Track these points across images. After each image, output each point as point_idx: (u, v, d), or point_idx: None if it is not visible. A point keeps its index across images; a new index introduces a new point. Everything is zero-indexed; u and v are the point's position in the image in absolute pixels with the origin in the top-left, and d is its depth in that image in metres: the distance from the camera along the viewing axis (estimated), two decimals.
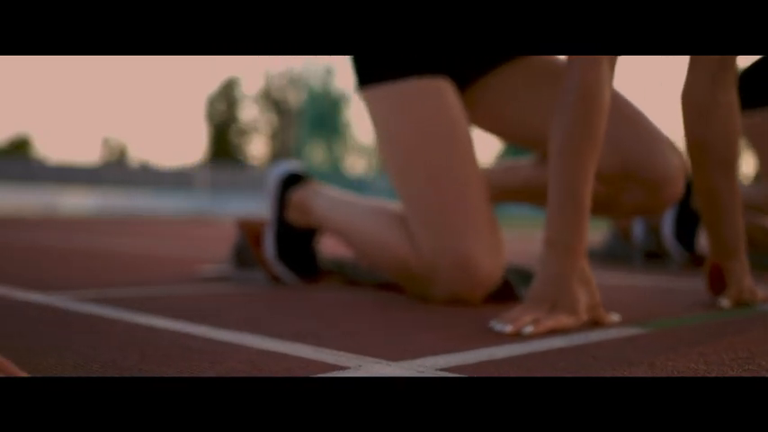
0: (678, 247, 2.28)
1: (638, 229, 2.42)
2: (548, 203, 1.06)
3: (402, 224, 1.32)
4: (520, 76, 1.38)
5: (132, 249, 2.75)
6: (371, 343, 0.87)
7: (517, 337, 0.94)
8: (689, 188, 2.23)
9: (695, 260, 2.28)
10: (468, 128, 1.32)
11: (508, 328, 0.96)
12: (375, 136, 1.36)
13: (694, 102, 1.27)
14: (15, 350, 0.79)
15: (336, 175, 15.83)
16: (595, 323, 1.05)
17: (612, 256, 2.50)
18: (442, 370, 0.73)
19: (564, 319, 1.00)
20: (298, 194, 1.54)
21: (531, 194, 1.46)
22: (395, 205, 1.40)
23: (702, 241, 2.26)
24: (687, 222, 2.28)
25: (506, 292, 1.31)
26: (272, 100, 34.61)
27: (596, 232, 4.87)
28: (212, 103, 34.21)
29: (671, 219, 2.29)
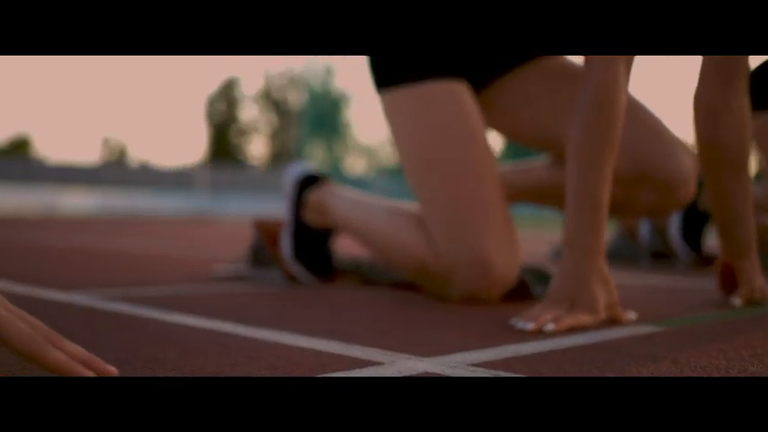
0: (685, 247, 2.30)
1: (644, 229, 2.45)
2: (566, 205, 1.09)
3: (419, 224, 1.35)
4: (534, 78, 1.40)
5: (136, 249, 2.77)
6: (398, 340, 0.90)
7: (538, 334, 0.97)
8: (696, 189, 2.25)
9: (701, 260, 2.31)
10: (485, 130, 1.35)
11: (530, 326, 0.99)
12: (392, 137, 1.39)
13: (706, 106, 1.30)
14: None
15: (336, 176, 15.87)
16: (613, 321, 1.08)
17: (619, 255, 2.52)
18: (472, 366, 0.76)
19: (583, 317, 1.02)
20: (315, 195, 1.56)
21: (543, 195, 1.49)
22: (411, 205, 1.42)
23: (708, 241, 2.29)
24: (694, 223, 2.31)
25: (522, 291, 1.34)
26: (271, 100, 34.62)
27: None
28: (212, 103, 34.23)
29: (678, 219, 2.32)
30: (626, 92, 1.11)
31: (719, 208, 1.33)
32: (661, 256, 2.41)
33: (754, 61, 2.23)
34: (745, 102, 1.30)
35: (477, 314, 1.15)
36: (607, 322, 1.07)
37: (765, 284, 1.34)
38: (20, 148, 36.24)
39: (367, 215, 1.43)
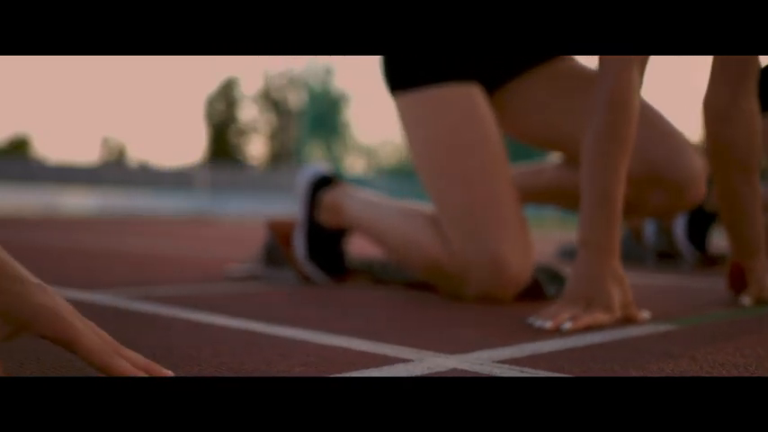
0: (690, 247, 2.33)
1: (649, 229, 2.47)
2: (581, 206, 1.11)
3: (433, 224, 1.37)
4: (546, 80, 1.43)
5: (140, 249, 2.79)
6: (422, 338, 0.92)
7: (556, 332, 0.99)
8: None
9: (707, 260, 2.33)
10: (499, 132, 1.37)
11: (548, 324, 1.01)
12: (406, 139, 1.41)
13: (717, 108, 1.32)
14: None
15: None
16: (628, 320, 1.10)
17: (625, 256, 2.55)
18: (498, 363, 0.78)
19: (600, 316, 1.04)
20: (329, 196, 1.59)
21: (554, 196, 1.51)
22: (425, 206, 1.45)
23: (714, 242, 2.31)
24: (699, 223, 2.33)
25: (535, 290, 1.36)
26: (271, 100, 34.63)
27: None
28: (211, 103, 34.24)
29: (683, 220, 2.34)
30: (639, 94, 1.14)
31: (729, 208, 1.35)
32: (666, 256, 2.44)
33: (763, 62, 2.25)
34: (754, 103, 1.32)
35: (492, 313, 1.18)
36: (622, 321, 1.09)
37: None
38: (19, 148, 36.25)
39: (381, 216, 1.46)
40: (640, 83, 1.15)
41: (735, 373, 0.75)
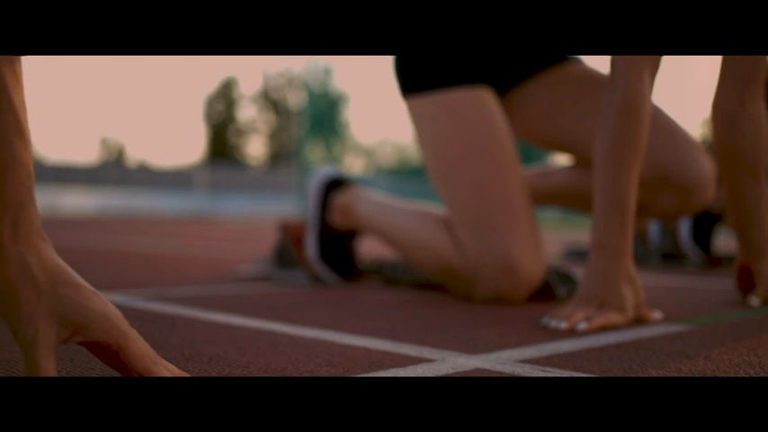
0: (695, 248, 2.34)
1: (653, 230, 2.49)
2: (594, 209, 1.12)
3: (445, 226, 1.39)
4: (555, 83, 1.44)
5: (143, 249, 2.81)
6: (441, 338, 0.94)
7: (571, 333, 1.01)
8: None
9: (711, 261, 2.35)
10: (510, 135, 1.39)
11: (563, 325, 1.03)
12: (418, 141, 1.43)
13: (724, 111, 1.34)
14: None
15: None
16: (640, 320, 1.11)
17: None
18: (519, 362, 0.79)
19: (613, 317, 1.06)
20: (341, 198, 1.60)
21: (564, 198, 1.53)
22: (437, 208, 1.46)
23: (718, 242, 2.33)
24: (704, 224, 2.35)
25: (546, 291, 1.38)
26: (270, 100, 34.64)
27: None
28: (210, 103, 34.25)
29: (688, 221, 2.36)
30: (650, 98, 1.15)
31: (737, 210, 1.37)
32: (671, 256, 2.46)
33: None
34: (762, 106, 1.34)
35: (505, 313, 1.19)
36: (635, 321, 1.11)
37: None
38: None
39: (393, 217, 1.47)
40: (651, 88, 1.17)
41: (751, 373, 0.76)
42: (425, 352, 0.84)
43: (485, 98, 1.38)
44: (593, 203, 1.15)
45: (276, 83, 34.40)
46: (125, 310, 1.13)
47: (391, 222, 1.47)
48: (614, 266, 1.09)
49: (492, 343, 0.91)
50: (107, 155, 37.36)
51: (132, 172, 22.90)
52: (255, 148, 36.69)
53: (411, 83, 1.42)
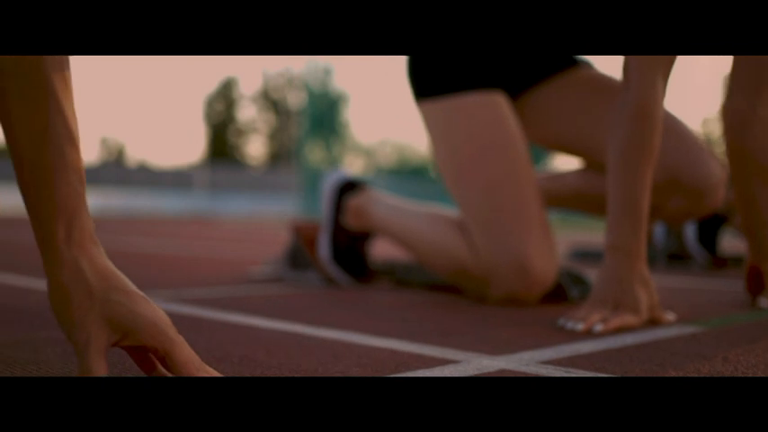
0: (701, 249, 2.36)
1: (658, 231, 2.51)
2: (608, 212, 1.14)
3: (459, 228, 1.40)
4: (566, 88, 1.46)
5: (145, 249, 2.82)
6: (462, 339, 0.95)
7: (588, 334, 1.03)
8: None
9: (716, 262, 2.37)
10: (523, 138, 1.41)
11: (580, 326, 1.04)
12: (432, 145, 1.45)
13: (735, 114, 1.36)
14: None
15: None
16: (654, 321, 1.13)
17: None
18: (542, 363, 0.81)
19: (628, 318, 1.08)
20: (354, 201, 1.62)
21: (575, 201, 1.55)
22: (450, 210, 1.48)
23: (724, 244, 2.34)
24: (710, 225, 2.37)
25: (559, 293, 1.40)
26: (270, 100, 34.66)
27: None
28: (210, 103, 34.27)
29: (694, 223, 2.38)
30: (663, 103, 1.17)
31: (747, 213, 1.39)
32: (677, 257, 2.47)
33: None
34: None
35: (520, 315, 1.21)
36: (649, 323, 1.13)
37: None
38: None
39: (407, 220, 1.49)
40: (664, 93, 1.19)
41: None
42: (449, 353, 0.86)
43: (498, 102, 1.40)
44: (607, 207, 1.16)
45: (276, 83, 34.43)
46: None
47: (405, 224, 1.49)
48: (628, 269, 1.11)
49: (512, 344, 0.93)
50: (107, 155, 37.38)
51: (132, 172, 22.91)
52: (255, 148, 36.71)
53: (424, 88, 1.44)
